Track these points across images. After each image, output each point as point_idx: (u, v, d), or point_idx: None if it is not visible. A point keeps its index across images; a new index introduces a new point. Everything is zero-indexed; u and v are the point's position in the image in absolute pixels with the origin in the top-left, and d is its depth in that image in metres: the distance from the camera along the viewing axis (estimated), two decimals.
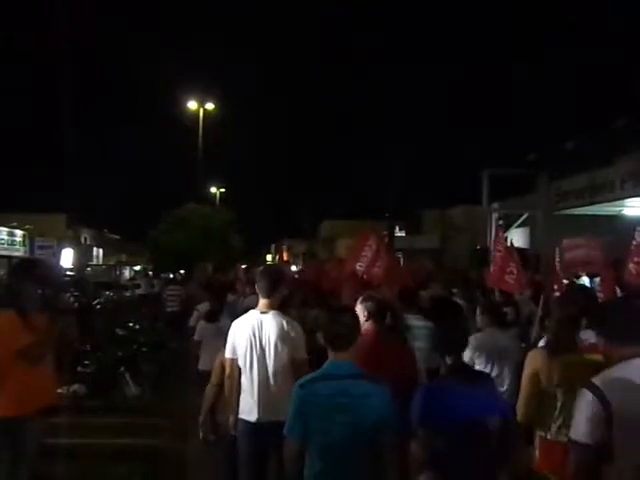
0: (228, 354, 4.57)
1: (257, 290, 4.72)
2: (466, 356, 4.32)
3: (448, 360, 3.50)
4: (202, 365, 7.30)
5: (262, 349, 4.43)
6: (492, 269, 8.42)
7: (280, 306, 4.71)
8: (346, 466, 3.16)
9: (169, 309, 15.56)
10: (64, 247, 36.98)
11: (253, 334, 4.46)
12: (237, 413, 4.49)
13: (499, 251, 8.45)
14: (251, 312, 4.62)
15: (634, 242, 6.96)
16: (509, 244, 8.84)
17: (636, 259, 6.88)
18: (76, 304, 14.21)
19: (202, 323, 7.85)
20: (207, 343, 7.43)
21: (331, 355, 3.37)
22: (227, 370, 4.59)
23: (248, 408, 4.38)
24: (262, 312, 4.54)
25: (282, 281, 4.82)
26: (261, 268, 5.18)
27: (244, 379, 4.48)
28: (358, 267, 8.64)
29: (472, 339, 4.96)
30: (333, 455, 3.16)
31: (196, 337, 7.81)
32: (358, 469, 3.17)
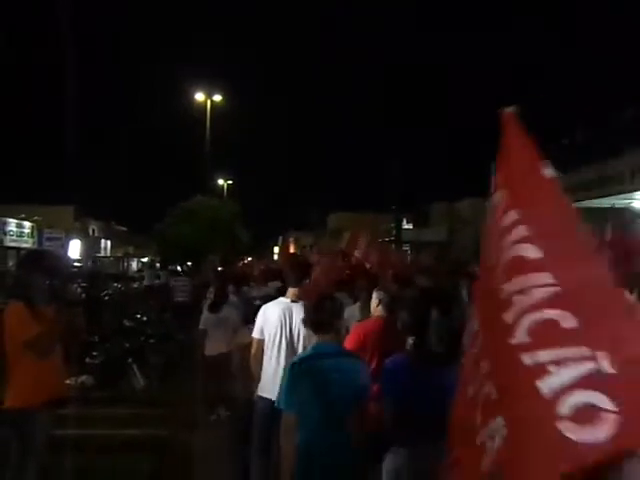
0: (256, 334, 4.92)
1: (285, 279, 5.14)
2: None
3: (410, 340, 3.64)
4: (207, 351, 7.93)
5: (291, 334, 4.80)
6: None
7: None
8: (336, 434, 3.44)
9: (179, 299, 15.95)
10: (72, 239, 37.11)
11: (284, 319, 4.83)
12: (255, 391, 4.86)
13: None
14: (281, 299, 5.01)
15: None
16: None
17: None
18: (83, 295, 14.24)
19: (206, 313, 8.27)
20: (210, 332, 7.98)
21: (315, 338, 3.76)
22: (253, 350, 4.92)
23: (270, 387, 4.60)
24: (292, 300, 4.93)
25: (310, 271, 5.30)
26: (290, 258, 5.85)
27: (269, 360, 4.80)
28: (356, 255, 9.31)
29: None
30: (325, 425, 3.44)
31: (201, 326, 8.27)
32: (345, 436, 3.46)
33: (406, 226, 35.55)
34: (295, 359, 3.74)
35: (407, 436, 3.40)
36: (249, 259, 32.06)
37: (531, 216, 1.95)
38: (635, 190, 15.46)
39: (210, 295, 9.05)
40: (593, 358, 1.60)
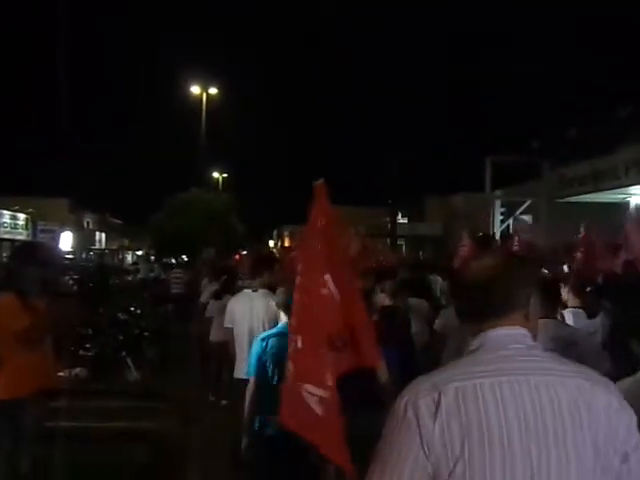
0: (226, 324, 5.75)
1: (250, 272, 6.07)
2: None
3: None
4: (212, 337, 8.37)
5: (252, 320, 5.52)
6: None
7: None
8: None
9: (175, 291, 16.21)
10: (63, 231, 37.03)
11: (246, 308, 5.59)
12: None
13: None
14: (245, 290, 5.88)
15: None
16: (509, 232, 9.12)
17: None
18: (75, 287, 14.24)
19: (211, 301, 8.90)
20: (215, 319, 8.38)
21: (285, 318, 4.18)
22: (227, 337, 5.79)
23: (241, 369, 5.09)
24: (254, 290, 5.71)
25: (272, 264, 5.96)
26: (255, 254, 6.67)
27: (239, 345, 5.54)
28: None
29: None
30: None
31: (207, 314, 8.89)
32: None
33: (401, 220, 35.58)
34: (263, 335, 4.25)
35: None
36: (244, 252, 32.03)
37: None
38: (630, 185, 15.50)
39: (210, 287, 9.56)
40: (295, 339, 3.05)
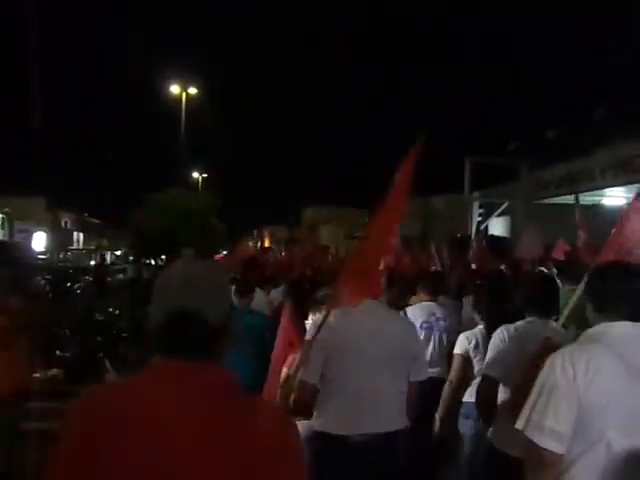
0: None
1: None
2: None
3: None
4: None
5: None
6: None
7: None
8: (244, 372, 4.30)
9: None
10: (37, 230, 36.63)
11: None
12: None
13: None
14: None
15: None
16: (487, 233, 9.58)
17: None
18: (48, 288, 14.11)
19: None
20: None
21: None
22: None
23: None
24: None
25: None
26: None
27: None
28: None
29: None
30: (233, 365, 4.14)
31: None
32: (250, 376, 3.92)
33: None
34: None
35: None
36: (224, 253, 31.93)
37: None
38: (605, 187, 15.73)
39: None
40: None
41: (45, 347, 6.25)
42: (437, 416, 4.74)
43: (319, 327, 3.17)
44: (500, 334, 3.53)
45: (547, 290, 3.66)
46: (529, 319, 3.56)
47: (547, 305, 3.58)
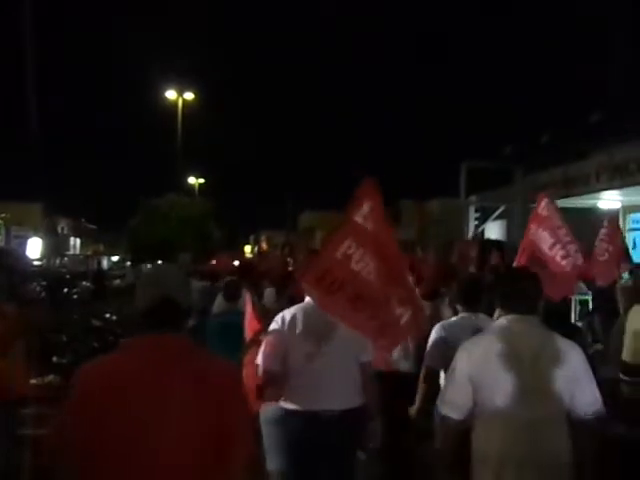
0: None
1: None
2: None
3: None
4: None
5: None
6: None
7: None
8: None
9: None
10: (33, 236, 36.51)
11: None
12: None
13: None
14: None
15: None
16: (484, 237, 9.58)
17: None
18: (43, 294, 14.09)
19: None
20: None
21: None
22: None
23: None
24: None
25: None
26: None
27: None
28: None
29: None
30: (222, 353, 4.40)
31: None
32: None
33: None
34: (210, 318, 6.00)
35: None
36: (221, 257, 31.85)
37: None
38: (600, 190, 15.76)
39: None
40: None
41: (41, 353, 6.25)
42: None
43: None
44: (437, 330, 4.19)
45: (472, 289, 4.36)
46: (462, 314, 4.25)
47: (474, 301, 4.26)
